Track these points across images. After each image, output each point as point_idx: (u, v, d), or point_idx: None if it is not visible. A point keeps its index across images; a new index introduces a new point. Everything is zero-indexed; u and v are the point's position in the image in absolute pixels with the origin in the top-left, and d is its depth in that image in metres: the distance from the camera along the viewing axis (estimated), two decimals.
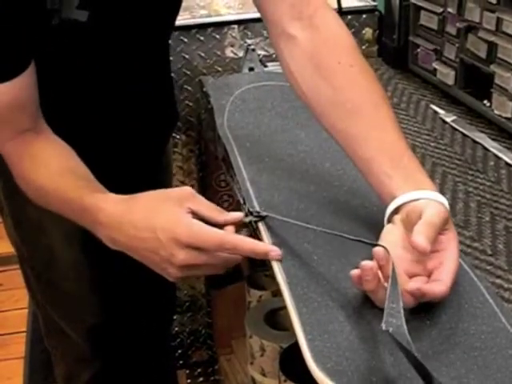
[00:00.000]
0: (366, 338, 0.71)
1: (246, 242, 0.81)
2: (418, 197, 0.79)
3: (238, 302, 1.74)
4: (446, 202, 0.79)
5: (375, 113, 0.88)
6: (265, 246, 0.83)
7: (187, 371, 1.93)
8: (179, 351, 1.90)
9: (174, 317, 1.79)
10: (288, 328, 1.39)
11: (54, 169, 0.94)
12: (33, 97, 0.94)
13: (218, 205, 0.86)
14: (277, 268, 0.80)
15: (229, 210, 0.85)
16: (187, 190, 0.86)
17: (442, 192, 1.00)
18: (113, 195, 0.90)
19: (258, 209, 0.90)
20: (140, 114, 1.14)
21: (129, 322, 1.35)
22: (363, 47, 1.67)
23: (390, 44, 1.59)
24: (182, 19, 1.55)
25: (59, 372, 1.39)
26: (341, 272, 0.79)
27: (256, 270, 1.64)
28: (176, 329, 1.86)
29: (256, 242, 0.83)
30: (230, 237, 0.81)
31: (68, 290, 1.24)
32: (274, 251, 0.81)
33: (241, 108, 1.18)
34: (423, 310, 0.74)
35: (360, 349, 0.70)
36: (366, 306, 0.74)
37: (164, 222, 0.82)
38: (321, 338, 0.70)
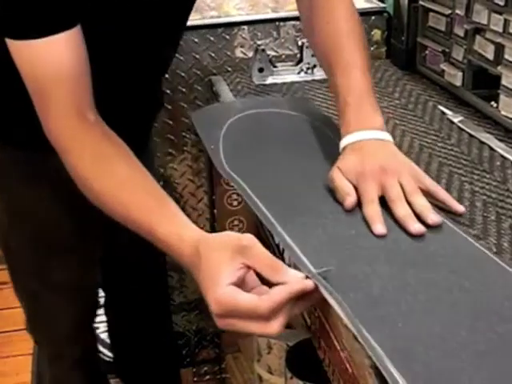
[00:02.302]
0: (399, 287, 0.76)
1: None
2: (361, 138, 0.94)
3: None
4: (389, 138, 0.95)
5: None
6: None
7: (194, 369, 1.95)
8: (186, 349, 1.91)
9: (181, 314, 1.81)
10: (295, 326, 1.40)
11: (119, 180, 0.89)
12: (88, 72, 0.93)
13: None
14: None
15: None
16: (248, 240, 0.78)
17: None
18: (186, 232, 0.82)
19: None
20: (130, 103, 1.17)
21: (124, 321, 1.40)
22: (372, 48, 1.68)
23: (399, 45, 1.60)
24: (192, 19, 1.56)
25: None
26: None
27: None
28: (183, 327, 1.87)
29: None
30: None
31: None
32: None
33: (234, 143, 1.12)
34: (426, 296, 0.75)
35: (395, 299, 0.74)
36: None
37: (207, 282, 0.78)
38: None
